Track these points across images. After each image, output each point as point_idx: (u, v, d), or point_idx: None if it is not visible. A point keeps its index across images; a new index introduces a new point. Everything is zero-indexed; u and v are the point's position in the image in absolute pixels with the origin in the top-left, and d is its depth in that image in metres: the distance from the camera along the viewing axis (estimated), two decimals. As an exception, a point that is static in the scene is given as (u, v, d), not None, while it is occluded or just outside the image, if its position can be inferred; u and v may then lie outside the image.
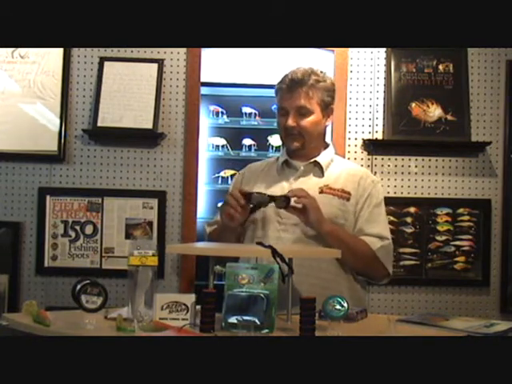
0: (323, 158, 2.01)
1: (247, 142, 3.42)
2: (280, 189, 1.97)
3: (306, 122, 1.94)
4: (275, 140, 3.34)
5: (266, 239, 1.86)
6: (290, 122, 1.93)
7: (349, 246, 1.86)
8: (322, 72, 1.99)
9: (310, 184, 1.96)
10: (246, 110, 3.44)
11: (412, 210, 2.73)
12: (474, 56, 2.77)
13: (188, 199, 2.74)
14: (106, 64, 2.73)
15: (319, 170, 2.00)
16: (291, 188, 1.94)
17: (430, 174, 2.75)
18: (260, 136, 3.41)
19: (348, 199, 1.95)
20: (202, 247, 1.87)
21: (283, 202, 1.81)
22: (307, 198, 1.81)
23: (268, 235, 1.91)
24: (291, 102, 1.94)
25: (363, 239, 1.92)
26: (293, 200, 1.81)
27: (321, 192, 1.94)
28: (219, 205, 2.10)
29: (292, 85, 1.94)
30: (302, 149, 1.97)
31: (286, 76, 1.98)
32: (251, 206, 1.86)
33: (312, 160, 2.00)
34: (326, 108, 1.98)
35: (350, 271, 1.95)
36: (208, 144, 3.40)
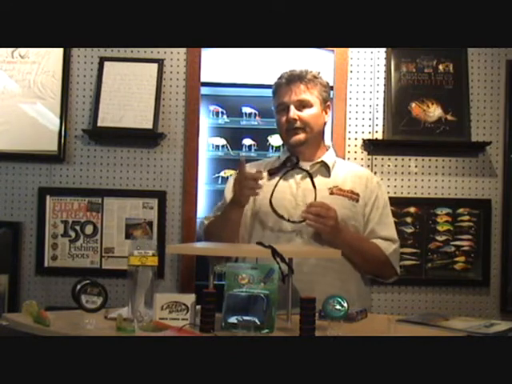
0: (328, 158, 2.02)
1: (247, 141, 3.41)
2: (287, 187, 1.97)
3: (308, 114, 1.95)
4: (275, 140, 3.34)
5: (276, 240, 1.87)
6: (292, 114, 1.94)
7: (362, 254, 1.91)
8: (317, 71, 2.02)
9: (318, 185, 1.96)
10: (246, 110, 3.44)
11: (412, 210, 2.73)
12: (474, 56, 2.77)
13: (188, 199, 2.74)
14: (106, 64, 2.73)
15: (326, 170, 2.00)
16: (299, 188, 1.95)
17: (430, 174, 2.75)
18: (260, 136, 3.41)
19: (357, 200, 1.96)
20: (202, 247, 1.87)
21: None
22: (322, 223, 1.80)
23: (279, 236, 1.91)
24: (291, 96, 1.95)
25: (376, 243, 1.94)
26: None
27: (331, 193, 1.95)
28: (228, 186, 2.05)
29: (291, 79, 1.96)
30: (304, 143, 1.98)
31: (284, 73, 2.01)
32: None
33: (319, 160, 2.00)
34: (325, 103, 2.00)
35: (358, 271, 1.97)
36: (208, 144, 3.40)
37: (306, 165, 1.99)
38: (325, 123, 2.04)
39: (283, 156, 2.05)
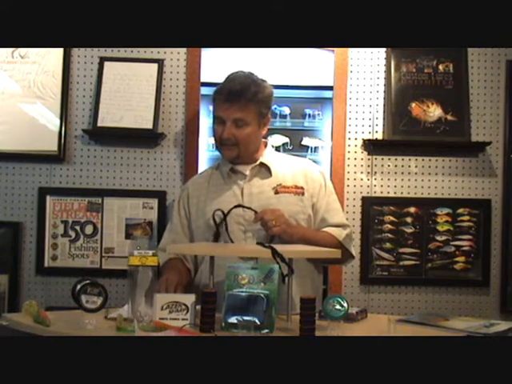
0: (267, 158, 2.03)
1: (247, 141, 3.41)
2: (232, 195, 1.97)
3: (243, 133, 1.95)
4: (275, 140, 3.33)
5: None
6: (226, 133, 1.94)
7: (318, 245, 1.89)
8: (261, 81, 2.01)
9: (261, 187, 1.97)
10: (246, 110, 3.43)
11: (412, 210, 2.73)
12: (474, 56, 2.77)
13: (188, 199, 2.74)
14: (106, 64, 2.72)
15: (266, 170, 2.01)
16: (243, 192, 1.96)
17: (429, 174, 2.75)
18: (260, 136, 3.40)
19: (303, 194, 1.99)
20: (202, 247, 1.87)
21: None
22: (276, 224, 1.80)
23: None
24: (229, 113, 1.93)
25: (328, 232, 1.96)
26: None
27: (276, 193, 1.96)
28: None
29: (230, 96, 1.94)
30: (238, 158, 1.99)
31: (224, 86, 1.98)
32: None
33: (258, 162, 2.01)
34: (263, 118, 2.00)
35: (312, 263, 1.99)
36: (208, 144, 3.40)
37: (245, 169, 2.00)
38: (262, 134, 2.04)
39: (225, 166, 2.03)
